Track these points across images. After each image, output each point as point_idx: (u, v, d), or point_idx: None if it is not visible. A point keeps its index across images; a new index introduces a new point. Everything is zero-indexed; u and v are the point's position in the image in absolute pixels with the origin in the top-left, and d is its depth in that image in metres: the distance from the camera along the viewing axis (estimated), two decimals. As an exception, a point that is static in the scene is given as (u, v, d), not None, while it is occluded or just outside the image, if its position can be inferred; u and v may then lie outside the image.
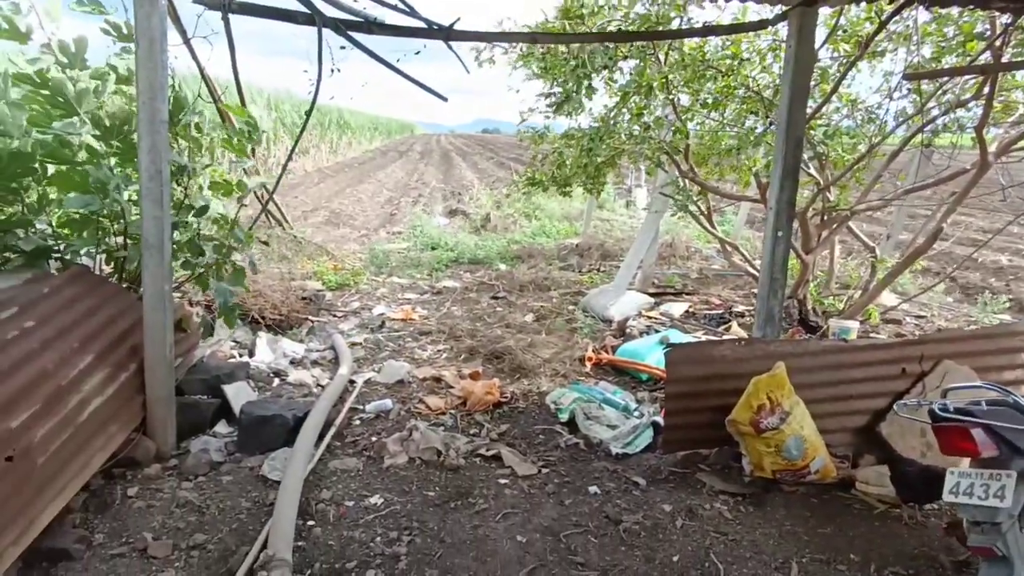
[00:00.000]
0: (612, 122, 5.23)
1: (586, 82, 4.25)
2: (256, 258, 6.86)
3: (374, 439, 3.48)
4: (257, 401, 3.64)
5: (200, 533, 2.63)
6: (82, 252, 3.45)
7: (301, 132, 4.05)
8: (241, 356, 4.52)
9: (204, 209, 3.60)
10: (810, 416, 3.09)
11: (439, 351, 5.05)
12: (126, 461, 3.04)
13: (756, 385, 3.00)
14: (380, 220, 12.27)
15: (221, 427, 3.55)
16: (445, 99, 3.08)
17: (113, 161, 3.44)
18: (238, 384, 3.79)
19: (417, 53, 3.28)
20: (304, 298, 5.76)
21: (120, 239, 3.60)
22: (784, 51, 3.63)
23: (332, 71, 3.29)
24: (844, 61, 4.81)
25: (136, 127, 3.31)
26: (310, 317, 5.51)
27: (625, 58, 4.87)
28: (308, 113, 3.53)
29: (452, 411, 3.89)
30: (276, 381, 4.24)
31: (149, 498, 2.86)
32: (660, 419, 3.52)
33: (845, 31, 4.70)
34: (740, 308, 6.25)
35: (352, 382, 4.28)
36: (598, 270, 8.15)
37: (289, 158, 4.24)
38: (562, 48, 4.78)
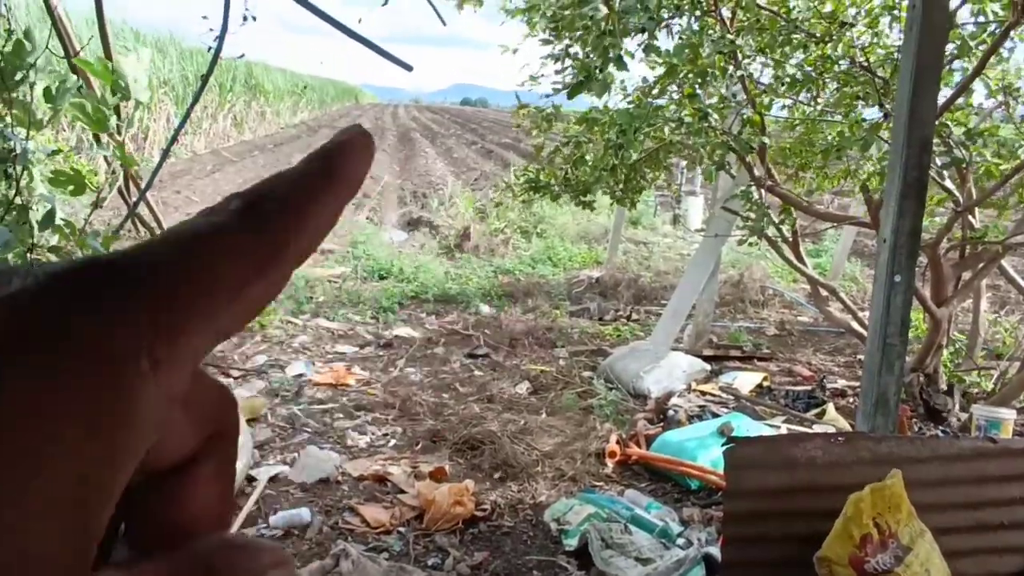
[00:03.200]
0: (652, 102, 5.35)
1: (614, 51, 4.34)
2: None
3: (281, 569, 3.47)
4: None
5: None
6: None
7: (194, 102, 4.14)
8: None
9: (50, 216, 3.63)
10: (939, 554, 3.11)
11: (385, 436, 5.06)
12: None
13: (859, 505, 3.02)
14: (303, 231, 12.30)
15: None
16: (410, 68, 3.17)
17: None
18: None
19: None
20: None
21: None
22: (906, 11, 3.77)
23: (245, 19, 3.39)
24: (996, 28, 4.97)
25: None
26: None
27: (676, 11, 5.01)
28: (205, 78, 3.61)
29: (402, 529, 3.90)
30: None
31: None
32: (716, 550, 3.53)
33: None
34: (839, 383, 6.31)
35: (250, 479, 4.28)
36: (628, 318, 8.21)
37: (174, 139, 4.32)
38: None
